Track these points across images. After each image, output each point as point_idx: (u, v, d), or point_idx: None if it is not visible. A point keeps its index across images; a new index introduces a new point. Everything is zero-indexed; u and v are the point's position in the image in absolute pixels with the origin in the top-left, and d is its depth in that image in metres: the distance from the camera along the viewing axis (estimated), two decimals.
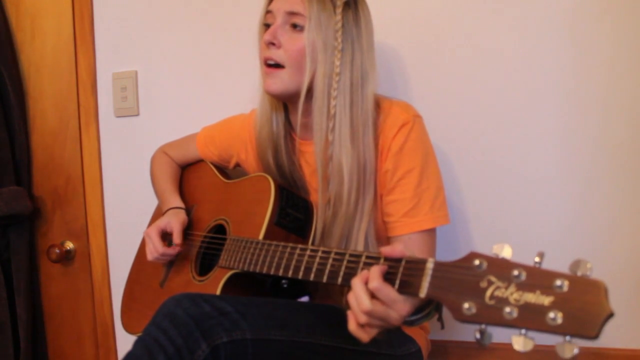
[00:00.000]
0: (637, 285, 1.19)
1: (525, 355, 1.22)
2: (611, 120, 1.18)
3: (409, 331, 1.07)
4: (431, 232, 1.00)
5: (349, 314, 0.74)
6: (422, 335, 1.11)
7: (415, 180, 0.98)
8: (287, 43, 0.98)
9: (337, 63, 0.96)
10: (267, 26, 1.02)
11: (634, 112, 1.17)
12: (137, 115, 1.55)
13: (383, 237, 1.04)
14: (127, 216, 1.57)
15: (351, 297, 0.73)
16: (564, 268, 0.56)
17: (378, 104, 1.04)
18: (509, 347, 1.37)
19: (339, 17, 0.96)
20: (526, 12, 1.21)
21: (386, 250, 0.72)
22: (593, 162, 1.20)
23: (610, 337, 1.20)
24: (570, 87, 1.20)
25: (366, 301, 0.70)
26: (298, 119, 1.01)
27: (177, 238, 1.12)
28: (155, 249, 1.12)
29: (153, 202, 1.34)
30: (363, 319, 0.71)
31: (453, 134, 1.27)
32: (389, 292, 0.69)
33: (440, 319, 0.79)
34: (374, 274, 0.71)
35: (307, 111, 1.01)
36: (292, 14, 0.98)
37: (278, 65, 0.99)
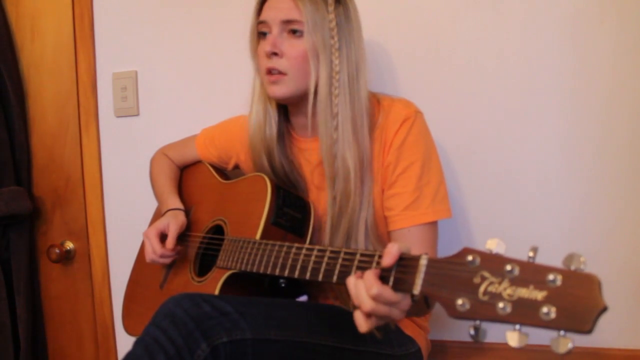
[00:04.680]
0: (636, 286, 1.19)
1: (524, 355, 1.22)
2: (611, 120, 1.18)
3: (409, 331, 1.07)
4: (432, 226, 1.00)
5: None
6: (422, 335, 1.11)
7: (416, 174, 0.99)
8: (289, 51, 0.99)
9: (336, 62, 0.97)
10: (261, 35, 1.03)
11: (635, 113, 1.17)
12: (137, 115, 1.55)
13: (383, 231, 1.04)
14: (127, 216, 1.57)
15: (360, 285, 0.71)
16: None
17: (378, 101, 1.04)
18: (508, 347, 1.36)
19: (332, 15, 0.97)
20: (526, 11, 1.21)
21: (387, 261, 0.70)
22: (594, 161, 1.20)
23: (610, 337, 1.20)
24: (570, 86, 1.20)
25: (367, 302, 0.69)
26: (308, 119, 1.01)
27: (169, 243, 1.12)
28: (154, 251, 1.12)
29: (153, 202, 1.34)
30: (370, 304, 0.69)
31: (453, 132, 1.27)
32: (389, 295, 0.69)
33: (426, 300, 0.76)
34: (371, 280, 0.69)
35: (314, 111, 1.01)
36: (288, 22, 0.98)
37: (281, 73, 1.00)
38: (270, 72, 1.00)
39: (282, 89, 1.00)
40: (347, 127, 0.98)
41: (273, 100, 1.06)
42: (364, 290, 0.70)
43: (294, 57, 0.98)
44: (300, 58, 0.98)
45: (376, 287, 0.68)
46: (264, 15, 1.01)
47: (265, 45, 1.00)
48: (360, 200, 0.99)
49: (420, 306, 0.85)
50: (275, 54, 0.99)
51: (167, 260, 1.14)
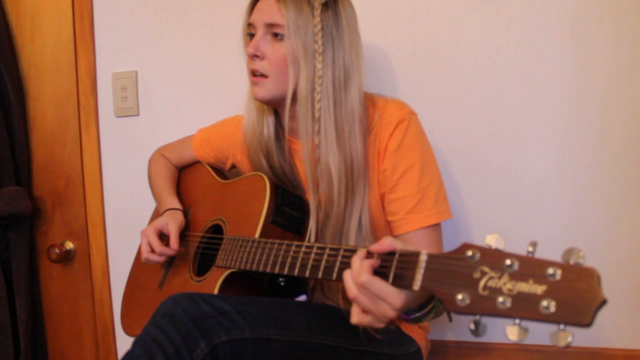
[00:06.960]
0: (636, 286, 1.19)
1: (524, 355, 1.22)
2: (610, 119, 1.18)
3: (409, 331, 1.07)
4: (437, 227, 1.00)
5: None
6: (422, 335, 1.11)
7: (416, 177, 0.98)
8: (270, 53, 0.99)
9: (319, 66, 0.97)
10: (250, 36, 1.03)
11: (633, 112, 1.17)
12: (137, 115, 1.56)
13: (381, 236, 1.03)
14: (127, 216, 1.57)
15: (346, 272, 0.73)
16: None
17: (373, 102, 1.04)
18: (509, 347, 1.37)
19: (317, 19, 0.96)
20: (526, 11, 1.21)
21: (374, 247, 0.72)
22: (592, 161, 1.20)
23: (610, 337, 1.20)
24: (568, 85, 1.20)
25: (352, 287, 0.70)
26: (286, 122, 1.03)
27: (174, 243, 1.11)
28: (153, 247, 1.12)
29: (153, 202, 1.35)
30: (354, 291, 0.71)
31: (452, 131, 1.27)
32: (378, 285, 0.69)
33: (448, 312, 0.78)
34: (363, 267, 0.70)
35: (294, 115, 1.01)
36: (271, 25, 0.99)
37: (263, 75, 1.01)
38: (253, 73, 1.02)
39: (262, 91, 1.01)
40: (330, 133, 0.97)
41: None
42: (350, 278, 0.71)
43: (274, 60, 0.99)
44: (280, 61, 0.98)
45: (365, 275, 0.69)
46: (252, 17, 1.02)
47: (248, 47, 1.01)
48: (346, 208, 0.98)
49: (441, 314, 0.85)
50: (256, 56, 1.00)
51: (163, 259, 1.13)
